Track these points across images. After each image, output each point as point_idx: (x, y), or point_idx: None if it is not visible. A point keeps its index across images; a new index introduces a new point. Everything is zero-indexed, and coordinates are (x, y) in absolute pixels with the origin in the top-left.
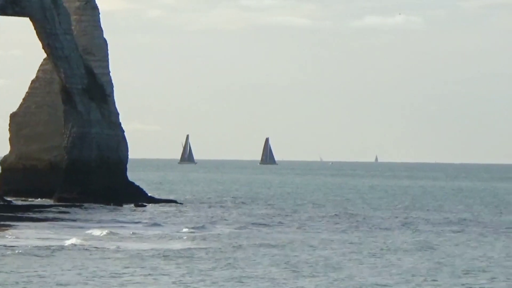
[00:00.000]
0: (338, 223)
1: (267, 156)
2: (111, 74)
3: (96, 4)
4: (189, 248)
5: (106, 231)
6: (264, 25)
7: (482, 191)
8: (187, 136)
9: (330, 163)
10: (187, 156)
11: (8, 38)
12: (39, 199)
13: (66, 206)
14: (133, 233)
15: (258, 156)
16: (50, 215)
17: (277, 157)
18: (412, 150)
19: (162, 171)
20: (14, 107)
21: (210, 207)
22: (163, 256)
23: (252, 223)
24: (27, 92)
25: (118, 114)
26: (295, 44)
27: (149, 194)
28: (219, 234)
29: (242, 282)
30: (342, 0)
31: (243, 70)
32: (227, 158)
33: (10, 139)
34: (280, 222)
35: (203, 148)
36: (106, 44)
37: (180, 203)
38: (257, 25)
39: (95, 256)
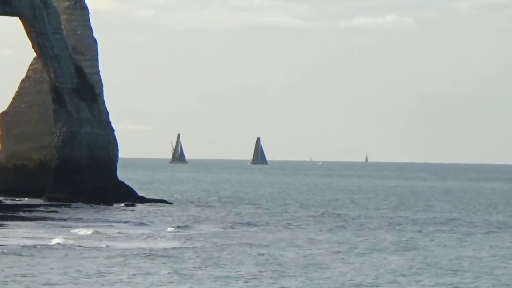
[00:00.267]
0: (325, 222)
1: (259, 156)
2: (101, 73)
3: (85, 4)
4: (174, 248)
5: (91, 230)
6: (256, 25)
7: (470, 191)
8: (178, 136)
9: (320, 163)
10: (178, 156)
11: None
12: (27, 198)
13: (55, 206)
14: (119, 232)
15: (249, 156)
16: (39, 215)
17: (268, 157)
18: (403, 150)
19: (153, 170)
20: (4, 107)
21: (197, 206)
22: (148, 255)
23: (239, 223)
24: (17, 92)
25: (108, 113)
26: (286, 44)
27: (139, 194)
28: (204, 233)
29: (227, 282)
30: (333, 0)
31: (235, 70)
32: (219, 157)
33: (0, 139)
34: (266, 222)
35: (194, 147)
36: (96, 44)
37: (170, 203)
38: (248, 25)
39: (80, 255)
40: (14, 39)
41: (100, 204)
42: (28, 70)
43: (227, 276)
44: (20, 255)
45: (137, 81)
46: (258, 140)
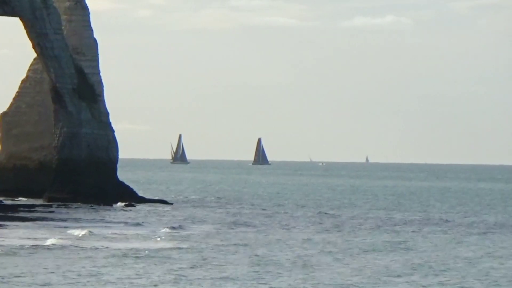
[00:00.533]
0: (320, 223)
1: (260, 156)
2: (101, 74)
3: (86, 4)
4: (168, 248)
5: (85, 230)
6: (254, 26)
7: (468, 191)
8: (180, 136)
9: (320, 164)
10: (179, 156)
11: None
12: (26, 198)
13: (55, 206)
14: (113, 233)
15: (251, 157)
16: (38, 215)
17: (269, 158)
18: (403, 151)
19: (154, 171)
20: (4, 107)
21: (194, 207)
22: (141, 255)
23: (234, 223)
24: (17, 92)
25: (108, 114)
26: (285, 45)
27: (139, 194)
28: (198, 234)
29: (220, 282)
30: (332, 1)
31: (234, 70)
32: (220, 158)
33: (1, 139)
34: (261, 222)
35: (196, 148)
36: (96, 44)
37: (170, 203)
38: (246, 25)
39: (73, 255)
40: (14, 39)
41: (100, 205)
42: (29, 70)
43: (222, 277)
44: (15, 255)
45: (137, 81)
46: (259, 140)
